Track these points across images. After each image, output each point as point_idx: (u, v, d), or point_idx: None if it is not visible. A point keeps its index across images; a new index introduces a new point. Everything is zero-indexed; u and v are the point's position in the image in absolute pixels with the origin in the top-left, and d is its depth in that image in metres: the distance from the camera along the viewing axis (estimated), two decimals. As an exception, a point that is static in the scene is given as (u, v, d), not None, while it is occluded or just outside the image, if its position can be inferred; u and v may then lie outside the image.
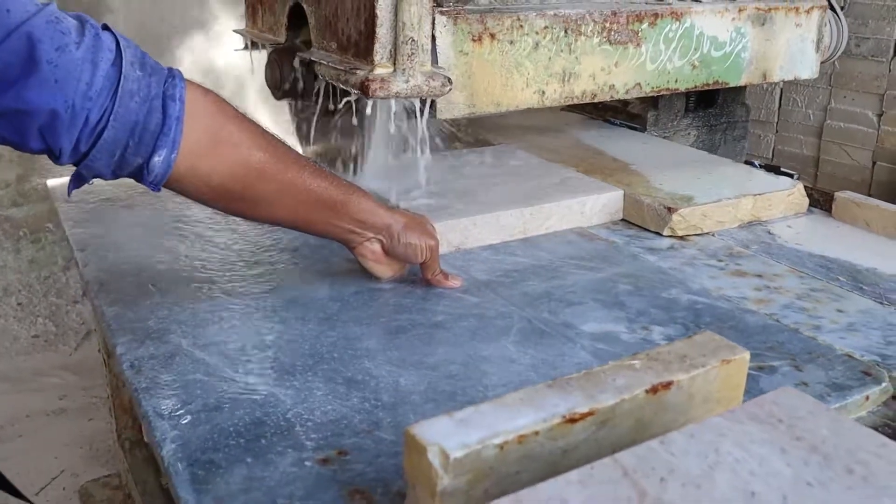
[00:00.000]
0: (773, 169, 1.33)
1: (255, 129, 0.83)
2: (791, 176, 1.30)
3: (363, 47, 1.02)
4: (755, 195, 1.20)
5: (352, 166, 1.24)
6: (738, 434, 0.52)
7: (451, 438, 0.53)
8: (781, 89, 2.72)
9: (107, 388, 1.42)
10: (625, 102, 1.60)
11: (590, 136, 1.53)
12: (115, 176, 0.77)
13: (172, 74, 0.78)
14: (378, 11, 0.99)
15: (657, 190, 1.21)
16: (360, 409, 0.72)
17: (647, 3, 1.25)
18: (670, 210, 1.14)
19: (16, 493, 0.92)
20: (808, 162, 2.69)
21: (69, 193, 0.79)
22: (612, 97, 1.25)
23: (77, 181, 0.78)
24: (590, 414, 0.57)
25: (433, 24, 1.04)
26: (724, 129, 1.65)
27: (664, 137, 1.56)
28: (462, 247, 1.08)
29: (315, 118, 1.27)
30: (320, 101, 1.24)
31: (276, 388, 0.75)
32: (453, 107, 1.09)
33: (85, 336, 2.59)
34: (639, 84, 1.26)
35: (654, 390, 0.60)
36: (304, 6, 1.17)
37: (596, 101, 1.24)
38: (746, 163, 1.40)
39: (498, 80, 1.12)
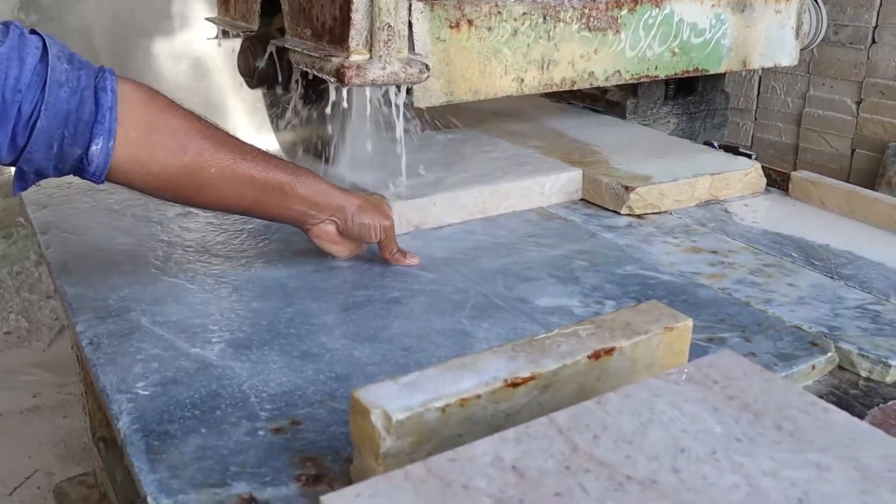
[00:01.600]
0: (732, 149, 1.35)
1: (191, 117, 0.84)
2: (749, 156, 1.32)
3: (338, 34, 1.00)
4: (712, 175, 1.22)
5: (326, 154, 1.24)
6: (673, 394, 0.54)
7: (395, 401, 0.54)
8: (760, 77, 2.74)
9: (80, 384, 1.42)
10: (604, 90, 1.60)
11: (555, 121, 1.54)
12: (58, 171, 0.78)
13: (103, 69, 0.79)
14: None
15: (616, 170, 1.23)
16: (315, 381, 0.74)
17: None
18: (627, 189, 1.15)
19: None
20: (788, 149, 2.71)
21: (14, 193, 0.80)
22: (591, 84, 1.24)
23: (20, 179, 0.78)
24: (531, 378, 0.59)
25: (410, 9, 1.03)
26: (703, 117, 1.65)
27: (644, 125, 1.56)
28: (422, 226, 1.09)
29: (289, 107, 1.26)
30: (296, 89, 1.23)
31: (232, 361, 0.76)
32: (431, 94, 1.09)
33: (58, 332, 2.57)
34: (618, 71, 1.25)
35: (596, 356, 0.62)
36: (278, -8, 1.16)
37: (575, 88, 1.23)
38: (706, 143, 1.42)
39: (476, 67, 1.11)
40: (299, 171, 0.90)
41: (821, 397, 0.77)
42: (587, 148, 1.35)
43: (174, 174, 0.82)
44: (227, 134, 0.87)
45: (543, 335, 0.63)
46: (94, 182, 0.80)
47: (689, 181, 1.20)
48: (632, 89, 1.56)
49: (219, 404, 0.70)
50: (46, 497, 1.83)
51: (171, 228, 1.07)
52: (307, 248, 1.00)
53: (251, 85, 1.27)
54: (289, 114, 1.28)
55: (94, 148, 0.77)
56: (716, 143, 1.40)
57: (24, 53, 0.72)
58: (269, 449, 0.64)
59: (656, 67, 1.30)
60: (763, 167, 1.29)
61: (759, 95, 2.76)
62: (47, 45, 0.75)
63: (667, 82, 1.58)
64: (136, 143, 0.79)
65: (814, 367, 0.81)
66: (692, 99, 1.63)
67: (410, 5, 1.03)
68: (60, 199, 1.18)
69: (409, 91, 1.06)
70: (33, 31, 0.76)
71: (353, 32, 0.97)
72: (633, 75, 1.28)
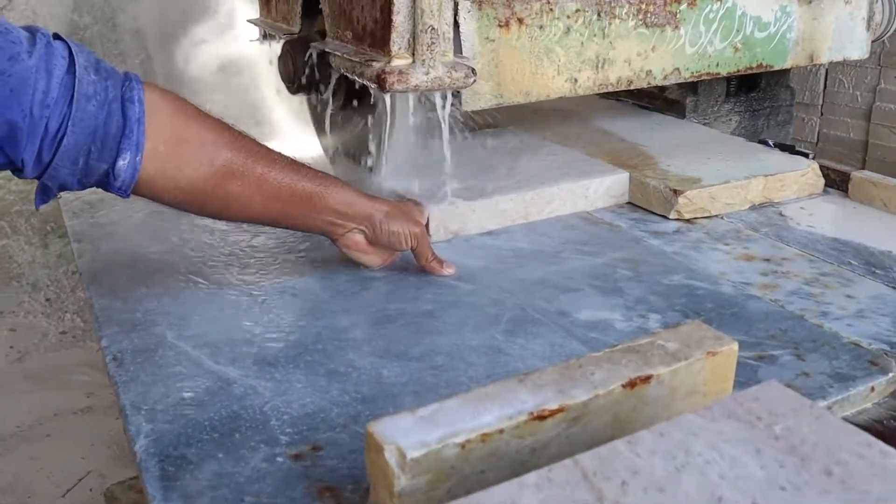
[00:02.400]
0: (788, 148, 1.29)
1: (219, 127, 0.81)
2: (806, 155, 1.25)
3: (379, 37, 0.96)
4: (766, 176, 1.16)
5: (371, 160, 1.20)
6: (712, 433, 0.50)
7: (410, 437, 0.51)
8: (827, 70, 2.61)
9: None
10: (662, 88, 1.52)
11: (602, 119, 1.49)
12: (82, 185, 0.76)
13: (129, 77, 0.77)
14: None
15: (665, 172, 1.17)
16: (339, 402, 0.71)
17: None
18: (676, 192, 1.10)
19: None
20: (856, 146, 2.58)
21: (36, 207, 0.78)
22: (648, 84, 1.18)
23: (43, 194, 0.76)
24: (560, 411, 0.55)
25: (456, 9, 0.98)
26: (767, 114, 1.57)
27: (704, 124, 1.49)
28: (461, 233, 1.06)
29: (331, 112, 1.23)
30: (337, 95, 1.20)
31: (256, 380, 0.74)
32: (479, 97, 1.04)
33: (113, 332, 2.61)
34: (677, 69, 1.19)
35: (631, 385, 0.58)
36: (318, -8, 1.12)
37: (632, 87, 1.17)
38: (760, 142, 1.35)
39: (527, 67, 1.06)
40: (327, 180, 0.87)
41: (880, 422, 0.73)
42: (635, 148, 1.30)
43: (202, 187, 0.80)
44: (255, 143, 0.84)
45: (574, 360, 0.59)
46: (120, 196, 0.78)
47: (741, 183, 1.14)
48: (691, 87, 1.49)
49: (238, 427, 0.67)
50: (98, 500, 1.84)
51: (203, 237, 1.06)
52: (341, 258, 0.97)
53: (292, 90, 1.24)
54: (331, 119, 1.25)
55: (121, 163, 0.74)
56: (771, 142, 1.33)
57: (52, 65, 0.70)
58: (286, 477, 0.62)
59: (717, 64, 1.23)
60: (822, 166, 1.22)
61: (826, 89, 2.63)
62: (73, 53, 0.72)
63: (728, 79, 1.50)
64: (164, 156, 0.76)
65: (873, 389, 0.75)
66: (755, 95, 1.54)
67: (457, 5, 0.98)
68: (96, 206, 1.17)
69: (455, 95, 1.01)
70: (57, 37, 0.74)
71: (394, 36, 0.93)
72: (692, 73, 1.21)
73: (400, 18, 0.93)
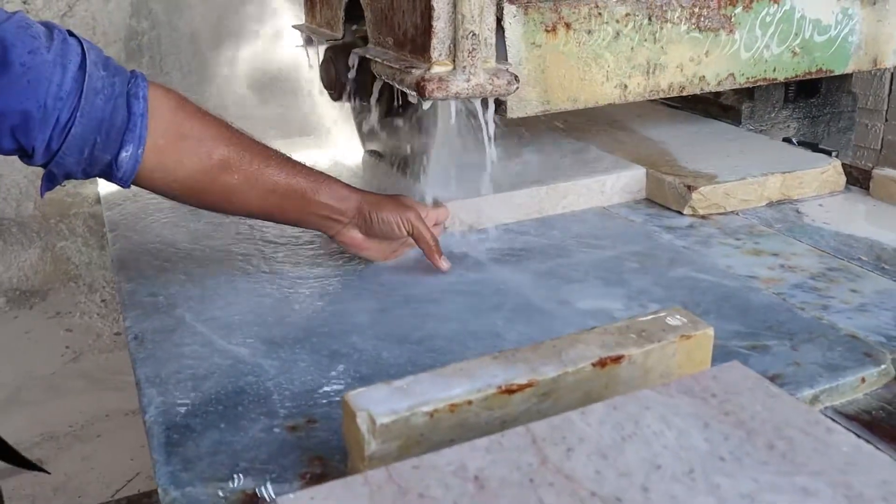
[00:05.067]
0: (811, 146, 1.28)
1: (217, 124, 0.86)
2: (829, 153, 1.25)
3: (420, 43, 0.94)
4: (784, 173, 1.16)
5: (412, 168, 1.20)
6: (665, 407, 0.52)
7: (382, 405, 0.55)
8: (893, 73, 2.54)
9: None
10: (717, 94, 1.49)
11: (625, 116, 1.50)
12: (86, 175, 0.81)
13: (135, 75, 0.82)
14: (434, 3, 0.90)
15: (681, 168, 1.19)
16: (338, 381, 0.75)
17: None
18: (690, 188, 1.12)
19: (23, 461, 0.97)
20: (922, 153, 2.51)
21: (41, 195, 0.83)
22: (702, 90, 1.15)
23: (49, 181, 0.82)
24: (528, 385, 0.58)
25: (501, 14, 0.97)
26: (827, 121, 1.53)
27: (761, 131, 1.47)
28: (476, 226, 1.09)
29: (373, 119, 1.23)
30: (380, 101, 1.20)
31: (263, 359, 0.78)
32: (525, 104, 1.03)
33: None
34: (732, 74, 1.16)
35: (601, 364, 0.61)
36: (360, -1, 1.11)
37: (684, 94, 1.14)
38: (784, 140, 1.35)
39: (575, 73, 1.05)
40: (320, 176, 0.91)
41: (868, 412, 0.74)
42: (656, 145, 1.31)
43: (199, 180, 0.84)
44: (252, 140, 0.89)
45: (549, 340, 0.62)
46: (121, 186, 0.84)
47: (757, 180, 1.15)
48: (748, 92, 1.44)
49: (242, 400, 0.72)
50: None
51: (229, 229, 1.10)
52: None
53: (334, 97, 1.24)
54: (372, 126, 1.26)
55: (123, 154, 0.80)
56: (794, 140, 1.33)
57: (66, 60, 0.76)
58: (281, 446, 0.66)
59: (774, 69, 1.20)
60: (844, 164, 1.22)
61: (892, 94, 2.55)
62: (85, 50, 0.78)
63: (786, 84, 1.45)
64: (164, 149, 0.82)
65: (864, 380, 0.76)
66: (815, 101, 1.49)
67: (502, 9, 0.97)
68: (131, 199, 1.23)
69: (498, 103, 1.00)
70: (71, 34, 0.79)
71: (434, 42, 0.91)
72: (748, 78, 1.18)
73: (440, 24, 0.91)
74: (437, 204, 1.04)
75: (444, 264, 0.95)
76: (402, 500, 0.44)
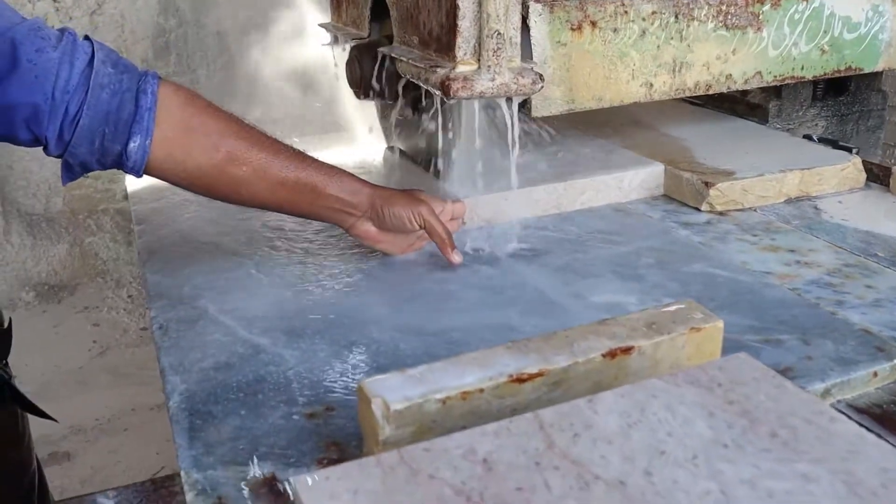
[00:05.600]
0: (832, 143, 1.29)
1: (226, 119, 0.89)
2: (849, 150, 1.25)
3: (444, 42, 0.94)
4: (802, 170, 1.16)
5: (437, 166, 1.19)
6: (671, 396, 0.53)
7: (396, 392, 0.56)
8: None
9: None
10: (744, 92, 1.47)
11: (645, 113, 1.51)
12: (101, 165, 0.86)
13: (147, 74, 0.86)
14: (460, 2, 0.90)
15: (699, 165, 1.20)
16: (356, 371, 0.77)
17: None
18: (707, 185, 1.12)
19: (38, 411, 1.01)
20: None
21: (63, 183, 0.88)
22: (728, 88, 1.15)
23: (67, 170, 0.86)
24: (539, 375, 0.59)
25: (526, 13, 0.97)
26: (856, 119, 1.51)
27: (788, 129, 1.45)
28: (494, 221, 1.10)
29: (399, 117, 1.25)
30: (405, 100, 1.21)
31: (283, 349, 0.81)
32: (550, 103, 1.03)
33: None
34: (759, 73, 1.16)
35: (611, 355, 0.62)
36: (386, -3, 1.11)
37: (711, 92, 1.14)
38: (805, 137, 1.35)
39: (600, 72, 1.05)
40: (332, 170, 0.93)
41: (879, 406, 0.75)
42: (676, 142, 1.32)
43: (207, 171, 0.87)
44: (262, 135, 0.91)
45: (562, 331, 0.64)
46: (133, 176, 0.87)
47: (775, 176, 1.15)
48: (775, 91, 1.43)
49: (262, 388, 0.74)
50: (169, 495, 1.94)
51: (254, 223, 1.12)
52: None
53: (359, 96, 1.25)
54: (398, 125, 1.27)
55: (132, 145, 0.84)
56: (815, 137, 1.33)
57: (74, 58, 0.81)
58: (300, 432, 0.68)
59: (803, 67, 1.19)
60: (865, 162, 1.22)
61: None
62: (95, 50, 0.83)
63: (815, 82, 1.43)
64: (173, 141, 0.85)
65: (875, 374, 0.77)
66: (844, 99, 1.48)
67: (527, 8, 0.98)
68: (158, 194, 1.26)
69: (522, 102, 1.00)
70: (86, 38, 0.84)
71: (459, 41, 0.91)
72: (775, 76, 1.18)
73: (465, 23, 0.91)
74: (454, 199, 1.05)
75: (455, 258, 0.96)
76: (413, 480, 0.45)
